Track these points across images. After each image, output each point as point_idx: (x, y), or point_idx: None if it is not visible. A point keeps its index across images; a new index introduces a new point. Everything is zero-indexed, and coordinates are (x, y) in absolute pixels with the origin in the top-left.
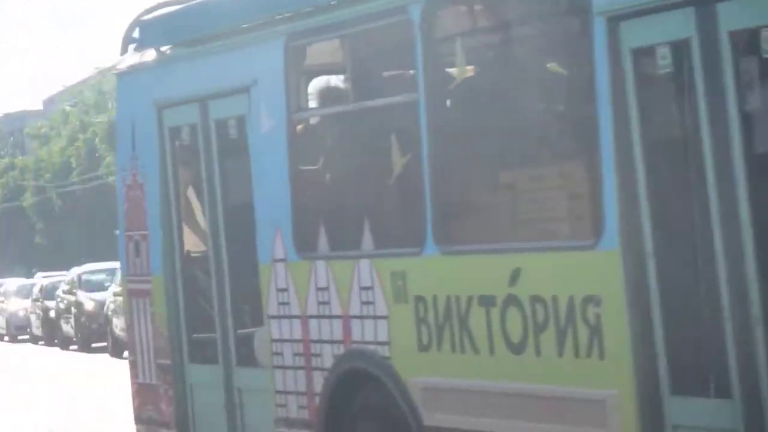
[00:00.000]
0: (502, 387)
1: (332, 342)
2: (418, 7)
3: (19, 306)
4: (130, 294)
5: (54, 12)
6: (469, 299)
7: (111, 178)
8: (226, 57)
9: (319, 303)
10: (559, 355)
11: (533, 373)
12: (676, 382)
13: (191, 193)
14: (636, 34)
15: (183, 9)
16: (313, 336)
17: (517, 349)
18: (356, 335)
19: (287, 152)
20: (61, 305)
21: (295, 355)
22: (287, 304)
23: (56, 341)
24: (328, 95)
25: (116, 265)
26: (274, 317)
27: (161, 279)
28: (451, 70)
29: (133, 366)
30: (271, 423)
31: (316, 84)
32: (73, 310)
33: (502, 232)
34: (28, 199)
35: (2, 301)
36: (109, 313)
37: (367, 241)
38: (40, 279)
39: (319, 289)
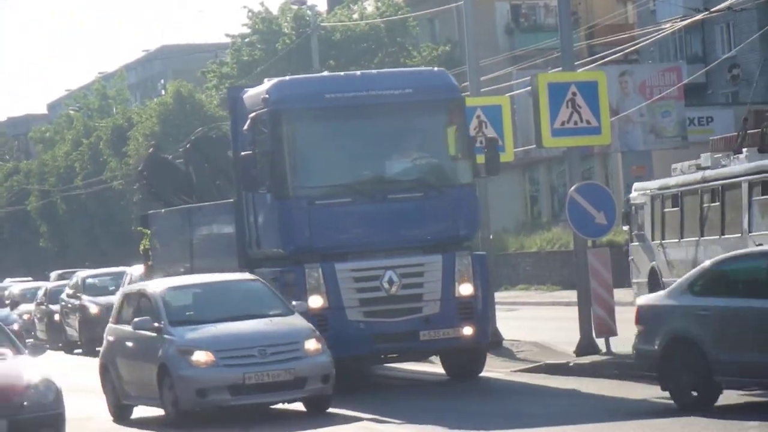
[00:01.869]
0: None
1: None
2: None
3: (24, 309)
4: None
5: (57, 17)
6: None
7: (115, 183)
8: None
9: None
10: None
11: None
12: None
13: None
14: None
15: None
16: None
17: None
18: None
19: None
20: (66, 309)
21: None
22: None
23: (61, 345)
24: None
25: (122, 269)
26: None
27: None
28: None
29: None
30: None
31: None
32: (77, 314)
33: None
34: (32, 203)
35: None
36: None
37: None
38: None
39: None
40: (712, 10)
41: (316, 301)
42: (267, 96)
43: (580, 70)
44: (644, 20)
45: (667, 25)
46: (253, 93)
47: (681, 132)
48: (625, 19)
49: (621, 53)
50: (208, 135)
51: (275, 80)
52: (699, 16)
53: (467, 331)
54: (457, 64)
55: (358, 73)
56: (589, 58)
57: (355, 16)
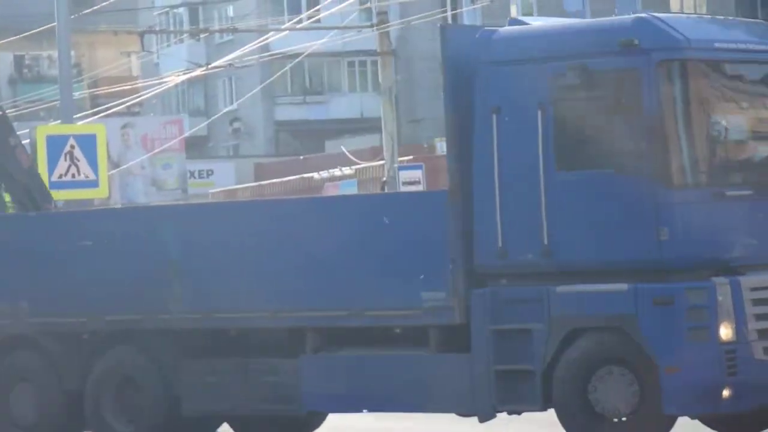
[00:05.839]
0: None
1: None
2: None
3: None
4: None
5: None
6: None
7: None
8: None
9: None
10: None
11: None
12: None
13: None
14: None
15: None
16: None
17: None
18: None
19: None
20: None
21: None
22: None
23: None
24: None
25: None
26: None
27: None
28: None
29: None
30: None
31: None
32: None
33: None
34: None
35: None
36: None
37: None
38: None
39: None
40: (213, 64)
41: (727, 332)
42: (636, 37)
43: (82, 122)
44: (148, 72)
45: (170, 78)
46: (546, 31)
47: (182, 185)
48: (129, 70)
49: (123, 105)
50: None
51: (633, 17)
52: (200, 71)
53: None
54: None
55: (721, 18)
56: (91, 110)
57: None
